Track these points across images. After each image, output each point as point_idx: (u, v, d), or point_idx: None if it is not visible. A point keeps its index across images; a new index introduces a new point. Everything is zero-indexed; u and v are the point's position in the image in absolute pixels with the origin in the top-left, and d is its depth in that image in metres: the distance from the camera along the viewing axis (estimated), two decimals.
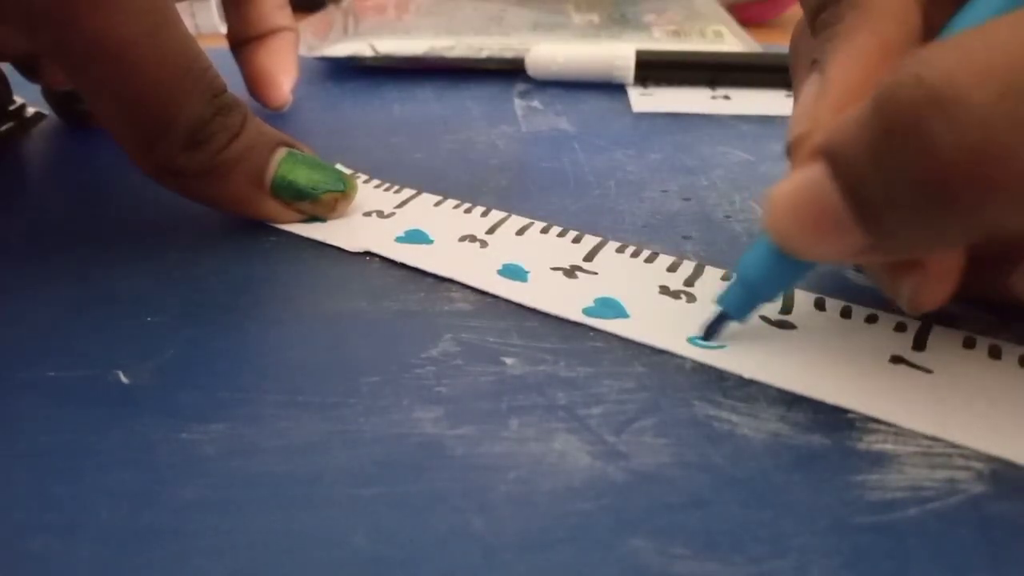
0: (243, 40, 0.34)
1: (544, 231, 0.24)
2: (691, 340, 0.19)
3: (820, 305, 0.20)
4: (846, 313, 0.20)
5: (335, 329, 0.19)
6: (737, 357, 0.18)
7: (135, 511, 0.14)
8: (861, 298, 0.20)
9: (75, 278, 0.22)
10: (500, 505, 0.14)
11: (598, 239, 0.23)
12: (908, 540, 0.14)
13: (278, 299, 0.21)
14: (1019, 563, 0.14)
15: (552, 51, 0.39)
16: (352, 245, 0.23)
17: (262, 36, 0.33)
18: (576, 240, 0.23)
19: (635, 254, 0.22)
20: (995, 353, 0.18)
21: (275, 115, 0.33)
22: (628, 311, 0.20)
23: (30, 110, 0.33)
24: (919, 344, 0.19)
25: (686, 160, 0.30)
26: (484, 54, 0.39)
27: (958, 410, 0.17)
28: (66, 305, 0.20)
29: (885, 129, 0.14)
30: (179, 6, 0.23)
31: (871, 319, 0.20)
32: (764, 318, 0.19)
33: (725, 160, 0.30)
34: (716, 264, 0.22)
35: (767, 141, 0.32)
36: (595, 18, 0.44)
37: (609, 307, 0.20)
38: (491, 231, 0.24)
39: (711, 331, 0.19)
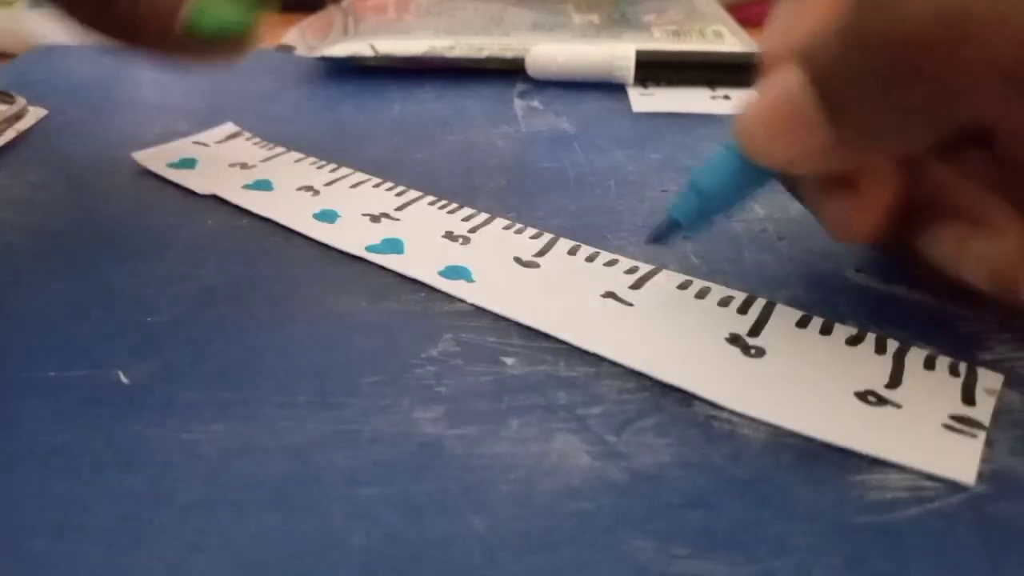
0: None
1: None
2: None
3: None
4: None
5: (335, 329, 0.19)
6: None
7: (135, 511, 0.14)
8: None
9: (76, 279, 0.22)
10: (500, 505, 0.14)
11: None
12: (908, 540, 0.14)
13: (278, 300, 0.21)
14: (1018, 564, 0.14)
15: (552, 51, 0.38)
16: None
17: None
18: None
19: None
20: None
21: (275, 116, 0.33)
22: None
23: (30, 109, 0.33)
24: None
25: (686, 160, 0.30)
26: (484, 54, 0.39)
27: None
28: (67, 305, 0.20)
29: (857, 8, 0.15)
30: None
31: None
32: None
33: None
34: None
35: None
36: (595, 18, 0.44)
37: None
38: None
39: (660, 236, 0.19)
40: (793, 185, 0.20)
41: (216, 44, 0.23)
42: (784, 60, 0.17)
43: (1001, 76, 0.14)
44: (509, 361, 0.18)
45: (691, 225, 0.19)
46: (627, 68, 0.38)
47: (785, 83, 0.16)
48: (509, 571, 0.13)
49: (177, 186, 0.27)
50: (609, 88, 0.38)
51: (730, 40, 0.42)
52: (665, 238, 0.19)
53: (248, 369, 0.18)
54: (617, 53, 0.38)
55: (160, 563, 0.13)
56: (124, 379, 0.18)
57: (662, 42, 0.41)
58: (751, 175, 0.18)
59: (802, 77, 0.16)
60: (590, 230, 0.24)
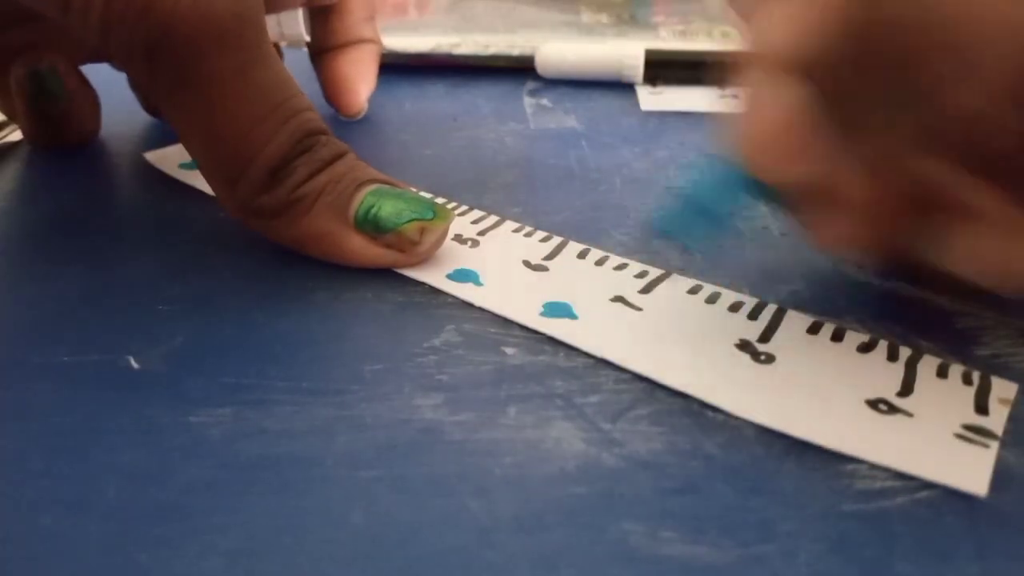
0: (325, 48, 0.33)
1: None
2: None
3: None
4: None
5: (340, 319, 0.20)
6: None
7: (143, 490, 0.15)
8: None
9: (89, 267, 0.22)
10: (496, 488, 0.15)
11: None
12: (895, 528, 0.14)
13: (285, 289, 0.21)
14: (1004, 552, 0.14)
15: (562, 50, 0.39)
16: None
17: (345, 45, 0.33)
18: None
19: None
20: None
21: None
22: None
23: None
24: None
25: (693, 157, 0.30)
26: (490, 51, 0.40)
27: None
28: (80, 293, 0.21)
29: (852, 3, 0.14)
30: (266, 17, 0.22)
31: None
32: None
33: None
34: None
35: None
36: (603, 17, 0.45)
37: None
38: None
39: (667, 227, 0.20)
40: (775, 196, 0.20)
41: (386, 237, 0.21)
42: (777, 67, 0.16)
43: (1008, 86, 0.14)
44: (509, 351, 0.19)
45: (691, 240, 0.19)
46: (636, 67, 0.38)
47: (787, 95, 0.16)
48: (502, 551, 0.14)
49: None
50: (618, 87, 0.38)
51: (737, 40, 0.42)
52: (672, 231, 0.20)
53: (254, 356, 0.18)
54: (626, 52, 0.38)
55: (166, 540, 0.14)
56: (134, 364, 0.18)
57: (669, 42, 0.42)
58: (742, 184, 0.18)
59: (806, 87, 0.16)
60: (595, 225, 0.24)
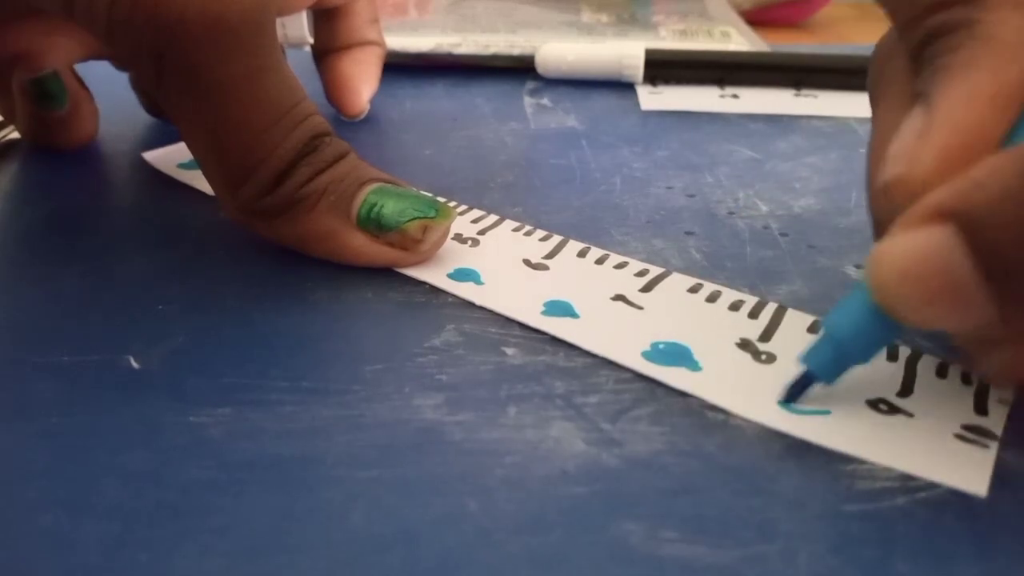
0: (329, 50, 0.33)
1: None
2: (783, 404, 0.17)
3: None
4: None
5: (340, 319, 0.20)
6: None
7: (143, 490, 0.15)
8: None
9: (89, 268, 0.22)
10: (496, 488, 0.15)
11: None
12: (895, 528, 0.14)
13: (285, 290, 0.21)
14: (1005, 552, 0.14)
15: (562, 50, 0.39)
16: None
17: (349, 47, 0.33)
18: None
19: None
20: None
21: None
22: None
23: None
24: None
25: (692, 157, 0.30)
26: (491, 51, 0.40)
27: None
28: (80, 293, 0.21)
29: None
30: None
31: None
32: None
33: (731, 158, 0.30)
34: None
35: (774, 139, 0.32)
36: (603, 17, 0.45)
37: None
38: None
39: (794, 393, 0.17)
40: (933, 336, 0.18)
41: (389, 235, 0.21)
42: (933, 212, 0.14)
43: None
44: (509, 351, 0.19)
45: (830, 379, 0.17)
46: (636, 67, 0.38)
47: (936, 247, 0.14)
48: (502, 551, 0.14)
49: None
50: (618, 86, 0.38)
51: (737, 40, 0.42)
52: (800, 395, 0.17)
53: (254, 356, 0.18)
54: (626, 52, 0.38)
55: (165, 540, 0.14)
56: (135, 364, 0.18)
57: (668, 41, 0.42)
58: (894, 323, 0.15)
59: (961, 244, 0.14)
60: (595, 225, 0.24)
